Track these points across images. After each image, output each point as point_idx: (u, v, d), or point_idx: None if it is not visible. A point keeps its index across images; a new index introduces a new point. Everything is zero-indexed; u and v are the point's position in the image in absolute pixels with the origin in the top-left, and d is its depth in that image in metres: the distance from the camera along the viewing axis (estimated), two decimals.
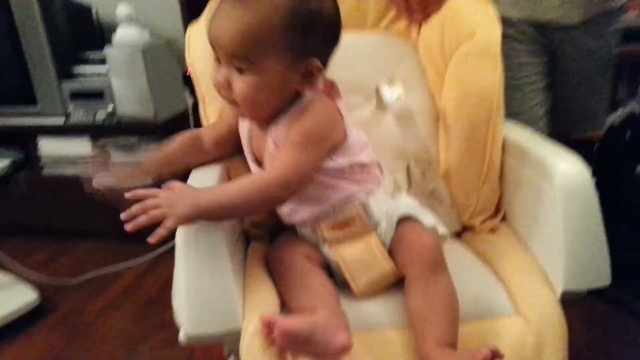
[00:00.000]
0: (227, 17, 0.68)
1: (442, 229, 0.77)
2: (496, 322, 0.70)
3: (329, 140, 0.74)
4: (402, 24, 0.99)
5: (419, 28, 0.98)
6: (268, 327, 0.62)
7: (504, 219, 0.87)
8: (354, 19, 0.98)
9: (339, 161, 0.76)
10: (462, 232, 0.92)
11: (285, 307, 0.71)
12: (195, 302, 0.66)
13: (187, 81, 1.78)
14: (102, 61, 1.64)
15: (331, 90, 0.80)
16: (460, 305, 0.70)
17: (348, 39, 0.95)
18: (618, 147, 1.53)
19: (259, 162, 0.80)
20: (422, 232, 0.74)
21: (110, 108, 1.67)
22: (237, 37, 0.67)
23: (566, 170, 0.71)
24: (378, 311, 0.72)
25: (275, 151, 0.73)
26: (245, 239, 0.85)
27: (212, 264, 0.66)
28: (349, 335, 0.63)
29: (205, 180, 0.76)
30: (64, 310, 1.50)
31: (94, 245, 1.86)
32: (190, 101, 1.80)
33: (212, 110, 0.87)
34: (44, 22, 1.62)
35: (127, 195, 0.65)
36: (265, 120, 0.76)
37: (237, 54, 0.68)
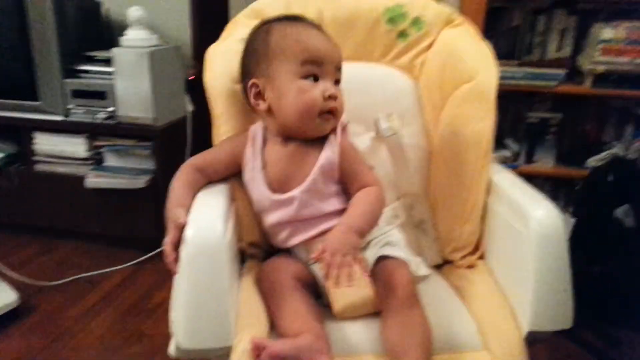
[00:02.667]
0: (328, 38, 0.85)
1: (424, 270, 0.84)
2: (467, 355, 0.76)
3: None
4: (406, 58, 1.04)
5: (423, 63, 1.03)
6: (257, 350, 0.66)
7: (482, 256, 0.93)
8: (361, 52, 1.04)
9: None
10: (442, 265, 0.98)
11: (274, 327, 0.76)
12: (193, 317, 0.70)
13: (190, 88, 1.84)
14: (108, 62, 1.66)
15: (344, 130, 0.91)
16: (435, 338, 0.75)
17: (355, 69, 1.02)
18: (600, 189, 1.59)
19: (271, 186, 0.84)
20: (398, 267, 0.80)
21: (110, 109, 1.69)
22: (340, 52, 0.86)
23: (542, 217, 0.77)
24: (360, 337, 0.77)
25: (347, 173, 0.85)
26: (241, 257, 0.90)
27: (212, 281, 0.71)
28: (330, 358, 0.68)
29: (215, 197, 0.81)
30: (43, 313, 1.48)
31: (77, 247, 1.85)
32: (190, 108, 1.84)
33: (226, 130, 0.91)
34: (55, 18, 1.63)
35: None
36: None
37: (340, 67, 0.86)
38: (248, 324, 0.73)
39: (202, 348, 0.70)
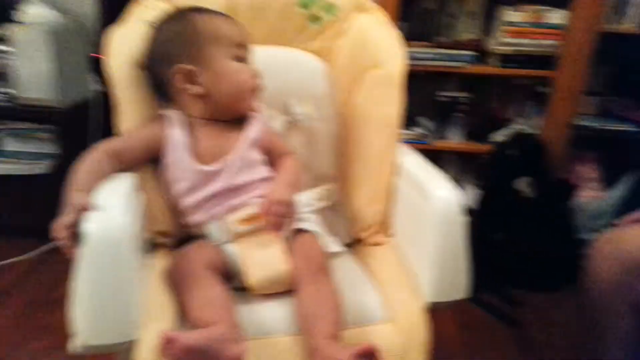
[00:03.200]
0: (239, 24, 0.92)
1: (336, 247, 0.89)
2: (372, 328, 0.81)
3: None
4: (318, 42, 1.05)
5: (335, 48, 1.04)
6: (168, 343, 0.65)
7: (391, 234, 0.98)
8: (274, 36, 1.04)
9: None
10: (352, 244, 1.02)
11: (184, 318, 0.76)
12: (94, 312, 0.68)
13: (96, 67, 1.74)
14: (2, 39, 1.53)
15: None
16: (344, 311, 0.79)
17: (267, 53, 1.02)
18: (504, 162, 1.71)
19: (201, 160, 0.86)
20: (312, 240, 0.86)
21: (9, 90, 1.57)
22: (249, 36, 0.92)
23: (442, 196, 0.82)
24: (273, 317, 0.79)
25: (269, 148, 0.93)
26: (150, 247, 0.89)
27: (116, 275, 0.69)
28: (242, 347, 0.70)
29: (118, 187, 0.78)
30: None
31: None
32: (97, 88, 1.74)
33: (129, 117, 0.88)
34: None
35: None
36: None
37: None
38: (153, 316, 0.73)
39: (105, 344, 0.69)
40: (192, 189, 0.86)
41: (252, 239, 0.84)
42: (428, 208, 0.83)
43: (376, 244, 0.97)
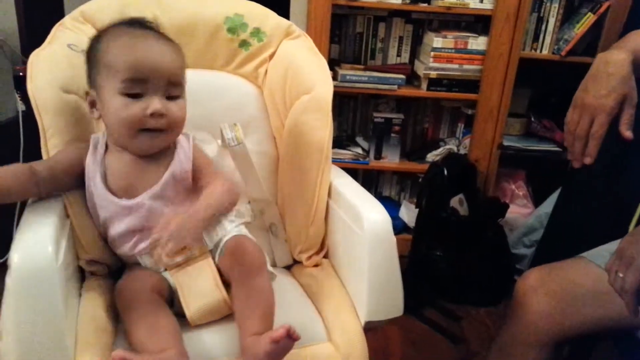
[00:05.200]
0: (159, 51, 0.80)
1: (269, 268, 0.87)
2: (313, 349, 0.82)
3: None
4: (249, 67, 1.06)
5: (265, 72, 1.06)
6: None
7: (327, 255, 1.00)
8: (203, 60, 1.04)
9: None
10: (292, 266, 1.03)
11: (131, 343, 0.75)
12: (25, 345, 0.66)
13: (19, 85, 1.66)
14: None
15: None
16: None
17: (199, 77, 1.02)
18: (437, 181, 1.77)
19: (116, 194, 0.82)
20: (245, 240, 0.85)
21: None
22: (174, 66, 0.81)
23: (373, 219, 0.85)
24: (215, 342, 0.79)
25: (197, 177, 0.87)
26: (81, 275, 0.86)
27: (44, 305, 0.67)
28: None
29: (45, 215, 0.76)
30: None
31: None
32: (21, 107, 1.66)
33: (55, 143, 0.84)
34: None
35: None
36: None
37: (175, 81, 0.81)
38: (89, 343, 0.71)
39: None
40: (111, 219, 0.84)
41: (186, 268, 0.83)
42: (360, 230, 0.85)
43: (315, 265, 0.98)
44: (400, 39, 1.90)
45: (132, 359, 0.66)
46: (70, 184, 0.83)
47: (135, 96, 0.78)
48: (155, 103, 0.78)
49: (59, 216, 0.78)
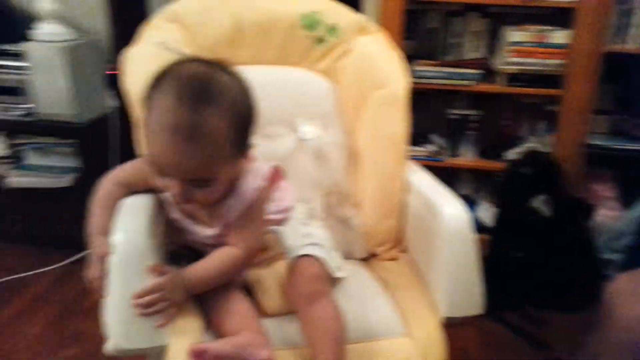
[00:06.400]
0: (181, 153, 0.68)
1: (342, 272, 0.87)
2: (388, 343, 0.81)
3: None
4: (325, 63, 1.08)
5: (341, 69, 1.06)
6: (197, 355, 0.67)
7: (404, 250, 0.99)
8: (282, 57, 1.07)
9: None
10: (368, 259, 1.02)
11: (211, 327, 0.78)
12: (125, 320, 0.72)
13: (112, 83, 1.78)
14: (18, 55, 1.57)
15: (277, 175, 0.87)
16: (360, 327, 0.80)
17: (276, 74, 1.06)
18: (518, 180, 1.70)
19: (182, 212, 0.83)
20: (309, 266, 0.81)
21: (28, 106, 1.61)
22: (195, 169, 0.70)
23: (451, 214, 0.83)
24: (293, 331, 0.80)
25: (234, 226, 0.80)
26: (177, 258, 0.90)
27: (141, 279, 0.72)
28: (270, 352, 0.72)
29: (142, 199, 0.81)
30: None
31: (5, 249, 1.78)
32: (114, 104, 1.77)
33: None
34: None
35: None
36: None
37: (198, 179, 0.72)
38: (184, 324, 0.75)
39: (136, 348, 0.72)
40: (183, 230, 0.86)
41: (262, 268, 0.86)
42: (437, 225, 0.84)
43: (391, 259, 0.98)
44: (476, 33, 1.84)
45: (207, 348, 0.68)
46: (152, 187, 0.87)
47: (163, 172, 0.72)
48: (174, 189, 0.72)
49: (154, 201, 0.83)
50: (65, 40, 1.58)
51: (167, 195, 0.83)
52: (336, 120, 1.07)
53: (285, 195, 0.90)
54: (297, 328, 0.80)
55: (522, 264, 1.67)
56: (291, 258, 0.84)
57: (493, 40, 1.83)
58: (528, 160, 1.72)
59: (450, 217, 0.82)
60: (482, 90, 1.78)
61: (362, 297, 0.87)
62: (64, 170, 1.67)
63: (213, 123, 0.69)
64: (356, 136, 1.05)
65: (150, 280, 0.73)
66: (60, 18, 1.63)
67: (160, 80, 0.72)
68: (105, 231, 0.76)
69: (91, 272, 0.77)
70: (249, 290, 0.85)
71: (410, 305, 0.85)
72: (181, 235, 0.88)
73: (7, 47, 1.65)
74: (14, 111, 1.62)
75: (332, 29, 1.05)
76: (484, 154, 1.89)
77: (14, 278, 1.60)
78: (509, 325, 1.53)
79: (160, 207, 0.85)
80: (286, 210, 0.89)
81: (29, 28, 1.60)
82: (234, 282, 0.83)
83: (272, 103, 1.03)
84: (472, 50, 1.85)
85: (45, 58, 1.55)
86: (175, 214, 0.84)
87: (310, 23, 1.04)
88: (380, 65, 0.99)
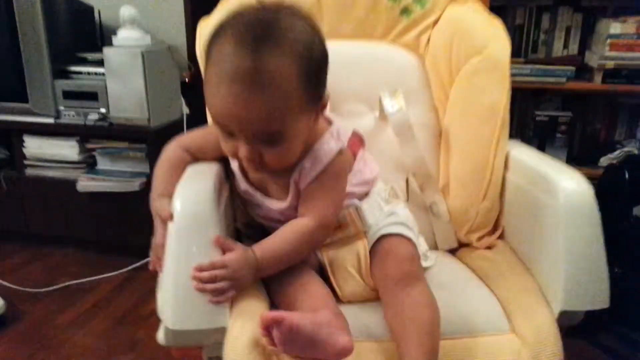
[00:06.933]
0: (244, 103, 0.60)
1: (427, 262, 0.77)
2: (491, 339, 0.68)
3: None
4: (410, 35, 0.99)
5: (428, 40, 0.97)
6: (273, 322, 0.58)
7: (501, 236, 0.85)
8: (362, 30, 0.99)
9: None
10: (457, 249, 0.90)
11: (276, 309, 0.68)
12: (182, 296, 0.62)
13: (185, 90, 1.78)
14: (100, 63, 1.62)
15: (357, 142, 0.79)
16: (453, 321, 0.68)
17: (355, 48, 0.98)
18: (617, 188, 1.52)
19: (251, 183, 0.76)
20: (396, 244, 0.72)
21: (102, 110, 1.63)
22: (264, 121, 0.61)
23: (571, 188, 0.70)
24: (372, 321, 0.69)
25: (306, 193, 0.71)
26: (237, 237, 0.82)
27: (205, 254, 0.63)
28: (350, 337, 0.60)
29: (206, 170, 0.73)
30: (30, 321, 1.41)
31: (70, 254, 1.78)
32: (185, 111, 1.77)
33: None
34: (44, 19, 1.59)
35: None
36: None
37: (267, 134, 0.62)
38: (246, 304, 0.65)
39: (194, 329, 0.62)
40: (252, 205, 0.77)
41: (339, 247, 0.75)
42: (553, 203, 0.70)
43: (488, 247, 0.85)
44: (568, 29, 1.69)
45: (284, 317, 0.57)
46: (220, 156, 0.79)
47: (230, 134, 0.64)
48: (242, 150, 0.64)
49: (219, 171, 0.74)
50: (141, 46, 1.59)
51: (235, 166, 0.76)
52: (421, 97, 0.97)
53: (367, 167, 0.79)
54: (377, 318, 0.69)
55: (620, 280, 1.48)
56: (376, 237, 0.73)
57: (586, 35, 1.67)
58: (627, 166, 1.54)
59: (570, 192, 0.69)
60: (573, 88, 1.62)
61: (455, 287, 0.75)
62: (133, 175, 1.67)
63: (278, 65, 0.59)
64: (443, 114, 0.94)
65: (215, 255, 0.63)
66: (141, 25, 1.66)
67: (220, 28, 0.63)
68: (171, 194, 0.67)
69: (155, 238, 0.69)
70: (322, 273, 0.75)
71: (515, 297, 0.71)
72: (248, 210, 0.80)
73: (89, 55, 1.69)
74: (88, 116, 1.64)
75: None
76: (575, 159, 1.71)
77: (74, 283, 1.59)
78: (602, 347, 1.36)
79: (227, 179, 0.78)
80: (368, 182, 0.79)
81: (111, 37, 1.64)
82: (308, 262, 0.73)
83: (351, 79, 0.96)
84: (562, 47, 1.70)
85: (121, 62, 1.57)
86: (243, 185, 0.76)
87: None
88: (476, 31, 0.88)
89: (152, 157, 1.65)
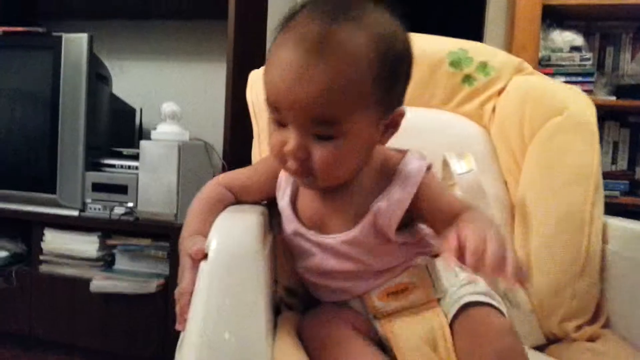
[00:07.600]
0: (303, 75, 0.52)
1: None
2: None
3: None
4: (472, 104, 0.92)
5: (493, 110, 0.91)
6: None
7: (606, 324, 0.68)
8: (421, 97, 0.93)
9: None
10: (546, 346, 0.72)
11: None
12: (207, 356, 0.48)
13: None
14: (135, 157, 1.59)
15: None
16: None
17: (414, 115, 0.90)
18: None
19: (303, 223, 0.64)
20: (493, 315, 0.58)
21: (130, 204, 1.57)
22: (321, 99, 0.52)
23: None
24: None
25: (385, 223, 0.60)
26: (276, 308, 0.68)
27: (248, 295, 0.51)
28: None
29: (247, 212, 0.62)
30: None
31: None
32: None
33: (266, 147, 0.73)
34: (86, 114, 1.60)
35: None
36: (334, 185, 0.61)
37: (322, 118, 0.54)
38: None
39: None
40: (300, 254, 0.65)
41: (404, 317, 0.60)
42: None
43: (590, 339, 0.67)
44: (615, 144, 1.65)
45: None
46: (268, 198, 0.70)
47: (280, 123, 0.57)
48: (290, 143, 0.55)
49: (263, 215, 0.62)
50: (179, 140, 1.59)
51: (284, 203, 0.65)
52: (488, 168, 0.87)
53: None
54: None
55: None
56: (457, 307, 0.59)
57: (634, 150, 1.62)
58: None
59: None
60: (628, 202, 1.51)
61: None
62: (151, 276, 1.55)
63: (352, 37, 0.52)
64: (514, 186, 0.84)
65: (262, 306, 0.50)
66: (180, 121, 1.67)
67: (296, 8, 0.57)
68: (205, 234, 0.55)
69: (181, 286, 0.55)
70: (382, 347, 0.60)
71: None
72: (295, 264, 0.67)
73: (124, 149, 1.69)
74: (114, 210, 1.58)
75: (483, 67, 0.91)
76: None
77: None
78: None
79: (269, 224, 0.66)
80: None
81: (150, 132, 1.65)
82: (362, 332, 0.59)
83: (412, 142, 0.87)
84: (610, 162, 1.65)
85: (157, 155, 1.55)
86: (293, 225, 0.64)
87: (457, 59, 0.91)
88: (554, 92, 0.81)
89: (174, 257, 1.53)
